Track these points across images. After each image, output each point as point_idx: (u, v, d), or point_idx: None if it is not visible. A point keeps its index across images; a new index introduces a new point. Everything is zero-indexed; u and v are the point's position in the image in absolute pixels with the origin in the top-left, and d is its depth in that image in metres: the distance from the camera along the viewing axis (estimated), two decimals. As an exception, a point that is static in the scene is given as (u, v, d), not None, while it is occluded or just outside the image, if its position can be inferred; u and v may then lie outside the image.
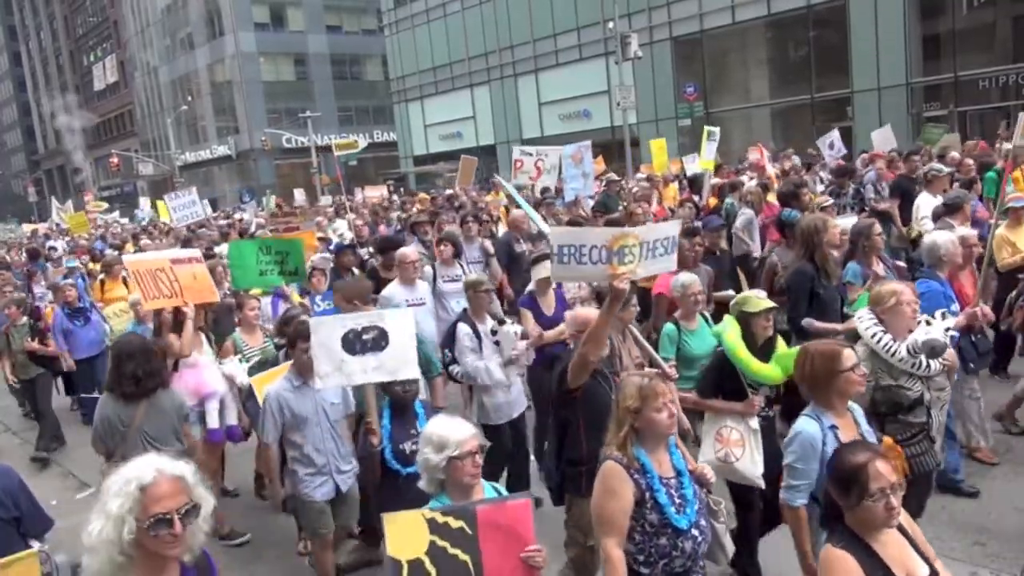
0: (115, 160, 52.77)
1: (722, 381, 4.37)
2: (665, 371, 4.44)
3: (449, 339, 5.62)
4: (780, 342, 4.51)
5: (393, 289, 6.71)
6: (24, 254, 19.18)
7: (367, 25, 56.63)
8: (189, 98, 57.48)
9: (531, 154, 10.78)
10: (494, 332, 5.42)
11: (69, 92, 72.68)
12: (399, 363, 4.12)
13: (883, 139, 14.78)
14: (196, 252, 6.86)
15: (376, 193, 25.24)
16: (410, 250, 6.97)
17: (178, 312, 5.78)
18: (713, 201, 10.69)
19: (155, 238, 18.41)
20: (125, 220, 33.71)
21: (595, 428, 3.23)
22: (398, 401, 4.38)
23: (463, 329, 5.41)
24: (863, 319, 4.15)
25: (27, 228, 34.86)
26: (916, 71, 26.61)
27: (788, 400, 4.41)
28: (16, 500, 3.48)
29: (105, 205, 39.18)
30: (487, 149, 38.21)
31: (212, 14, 55.36)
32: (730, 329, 4.40)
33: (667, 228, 3.82)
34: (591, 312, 4.25)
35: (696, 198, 11.18)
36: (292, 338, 4.59)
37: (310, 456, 4.44)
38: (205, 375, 5.77)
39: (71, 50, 76.09)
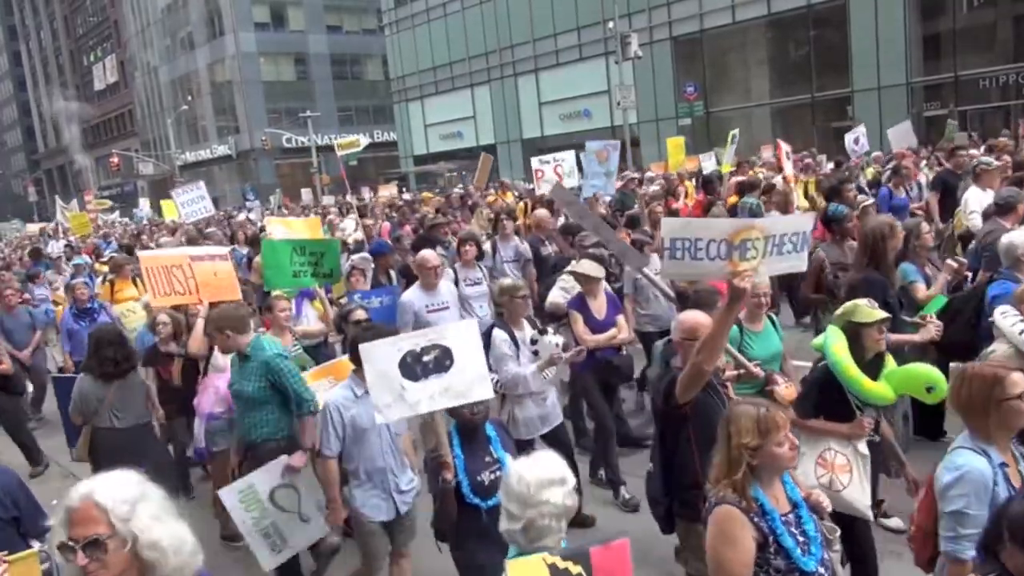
0: (115, 160, 52.75)
1: (825, 399, 3.89)
2: (751, 371, 4.26)
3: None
4: (889, 359, 4.01)
5: (412, 294, 6.38)
6: (26, 254, 19.01)
7: (367, 25, 56.66)
8: (189, 98, 57.47)
9: (548, 162, 10.72)
10: (534, 341, 5.06)
11: (69, 90, 72.65)
12: (469, 383, 3.59)
13: (901, 136, 13.96)
14: (223, 249, 6.81)
15: (387, 193, 25.20)
16: (431, 254, 6.63)
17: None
18: (733, 199, 10.69)
19: (158, 237, 18.36)
20: (125, 220, 33.77)
21: (709, 447, 2.94)
22: (466, 424, 3.80)
23: (500, 335, 5.04)
24: (1007, 315, 3.78)
25: (33, 227, 34.63)
26: (916, 71, 26.71)
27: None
28: (16, 500, 3.48)
29: (109, 203, 39.00)
30: (487, 149, 38.05)
31: (212, 14, 55.37)
32: (836, 341, 3.88)
33: (798, 222, 3.43)
34: (700, 316, 3.74)
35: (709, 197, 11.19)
36: (353, 349, 4.02)
37: (368, 472, 4.14)
38: None
39: (71, 50, 76.03)
